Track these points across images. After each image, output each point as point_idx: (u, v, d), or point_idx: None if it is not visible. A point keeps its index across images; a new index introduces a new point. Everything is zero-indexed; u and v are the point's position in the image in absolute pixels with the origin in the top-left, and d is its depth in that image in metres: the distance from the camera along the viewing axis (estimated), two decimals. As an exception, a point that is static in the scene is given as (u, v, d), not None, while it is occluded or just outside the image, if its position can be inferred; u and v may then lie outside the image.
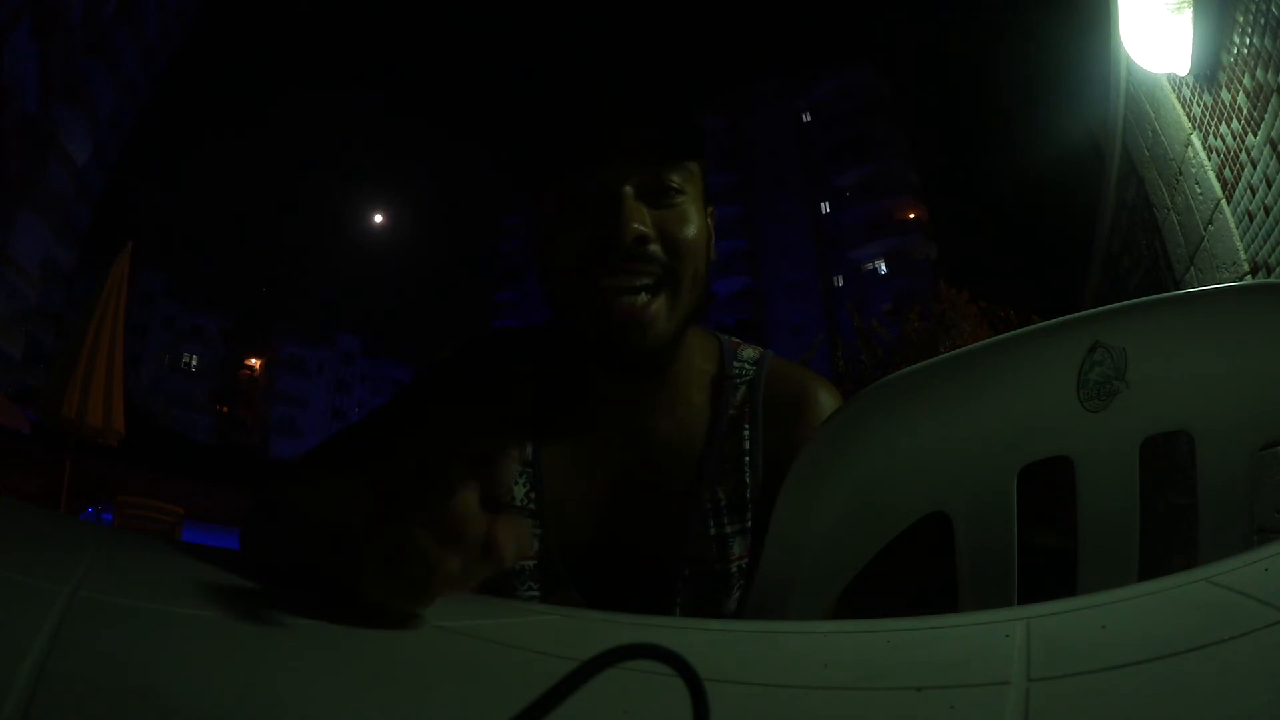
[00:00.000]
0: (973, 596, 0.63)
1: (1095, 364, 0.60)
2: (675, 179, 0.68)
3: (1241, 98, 1.83)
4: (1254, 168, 1.81)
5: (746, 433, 0.74)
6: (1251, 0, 1.72)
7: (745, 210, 41.01)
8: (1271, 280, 1.10)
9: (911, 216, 37.54)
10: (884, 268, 37.16)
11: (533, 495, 0.72)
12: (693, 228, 0.69)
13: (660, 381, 0.74)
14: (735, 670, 0.37)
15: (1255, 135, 1.78)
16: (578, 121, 0.69)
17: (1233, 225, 1.98)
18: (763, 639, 0.45)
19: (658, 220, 0.67)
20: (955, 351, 0.63)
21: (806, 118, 41.12)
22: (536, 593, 0.71)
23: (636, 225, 0.65)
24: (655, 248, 0.66)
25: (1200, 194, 2.21)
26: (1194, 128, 2.21)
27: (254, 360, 45.03)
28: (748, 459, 0.74)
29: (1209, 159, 2.11)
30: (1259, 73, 1.73)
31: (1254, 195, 1.83)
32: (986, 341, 0.63)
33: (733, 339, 0.82)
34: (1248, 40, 1.76)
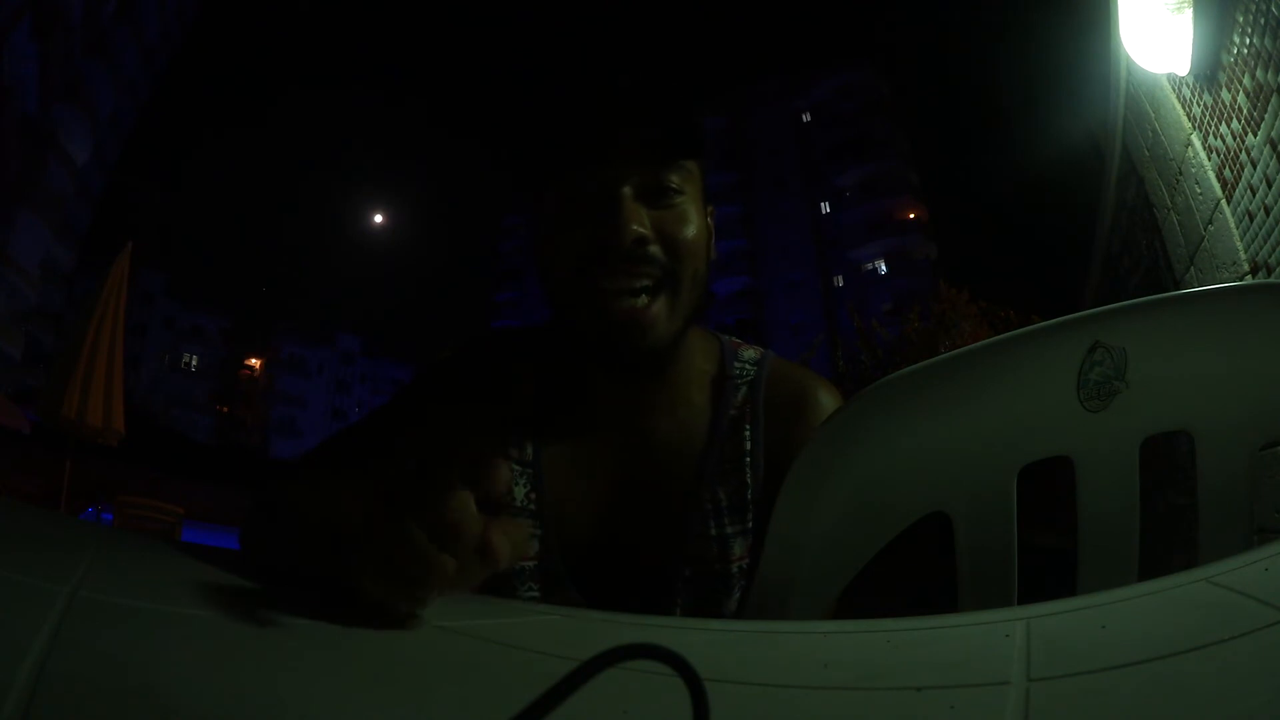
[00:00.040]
0: (973, 596, 0.63)
1: (1095, 364, 0.60)
2: (674, 179, 0.68)
3: (1241, 98, 1.83)
4: (1254, 168, 1.81)
5: (747, 433, 0.74)
6: (1251, 0, 1.72)
7: (745, 210, 41.01)
8: (1271, 280, 1.10)
9: (911, 216, 37.54)
10: (884, 268, 37.16)
11: (533, 495, 0.72)
12: (692, 228, 0.69)
13: (661, 382, 0.74)
14: (735, 670, 0.37)
15: (1255, 135, 1.78)
16: (577, 121, 0.69)
17: (1233, 225, 1.98)
18: (763, 639, 0.45)
19: (657, 221, 0.67)
20: (955, 351, 0.63)
21: (806, 118, 41.12)
22: (537, 593, 0.71)
23: (635, 227, 0.65)
24: (655, 249, 0.66)
25: (1200, 194, 2.21)
26: (1194, 128, 2.21)
27: (254, 360, 45.03)
28: (748, 459, 0.74)
29: (1209, 159, 2.11)
30: (1259, 73, 1.73)
31: (1254, 195, 1.83)
32: (986, 341, 0.63)
33: (733, 339, 0.82)
34: (1248, 40, 1.76)
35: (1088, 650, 0.33)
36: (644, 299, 0.66)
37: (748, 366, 0.78)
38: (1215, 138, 2.04)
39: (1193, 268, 2.31)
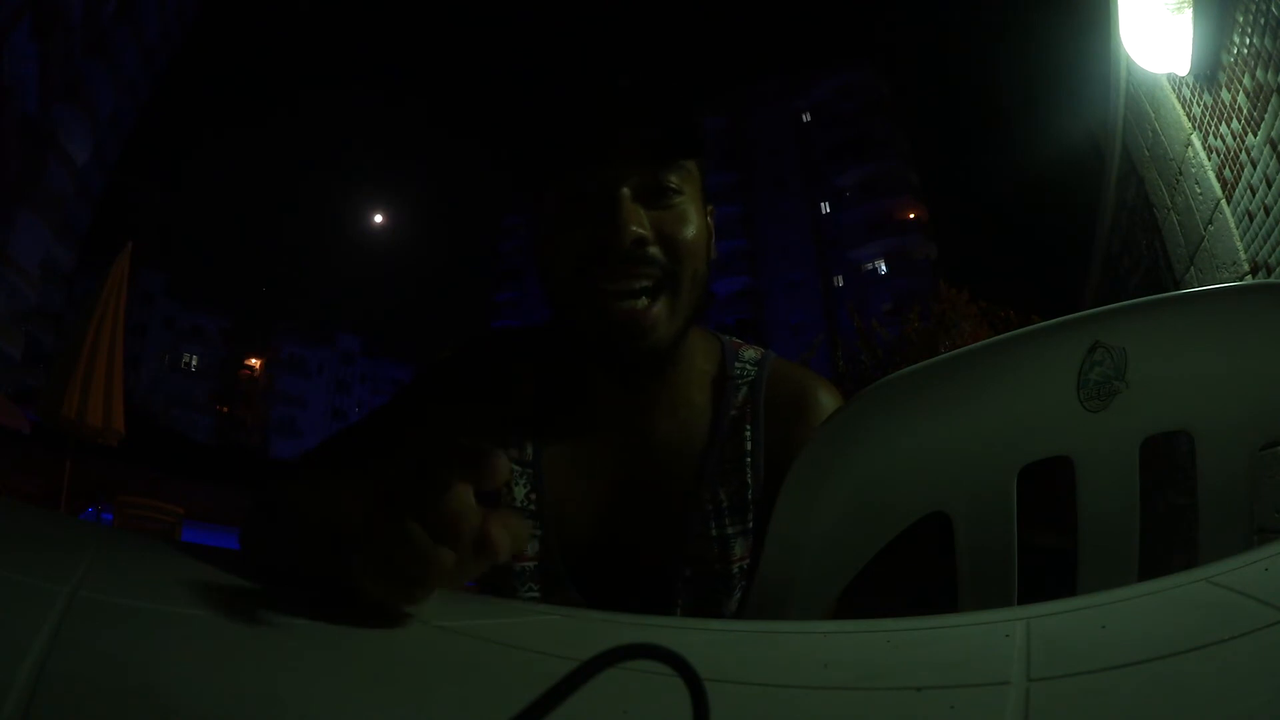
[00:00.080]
0: (973, 596, 0.63)
1: (1095, 364, 0.60)
2: (673, 179, 0.68)
3: (1241, 98, 1.83)
4: (1254, 168, 1.81)
5: (748, 433, 0.74)
6: (1251, 0, 1.72)
7: (745, 210, 41.01)
8: (1271, 280, 1.10)
9: (911, 216, 37.54)
10: (884, 268, 37.17)
11: (533, 496, 0.72)
12: (692, 228, 0.68)
13: (661, 382, 0.74)
14: (735, 670, 0.37)
15: (1255, 135, 1.78)
16: (577, 121, 0.69)
17: (1233, 225, 1.98)
18: (763, 639, 0.45)
19: (656, 221, 0.67)
20: (955, 351, 0.63)
21: (806, 118, 41.13)
22: (537, 593, 0.71)
23: (635, 228, 0.65)
24: (654, 249, 0.66)
25: (1200, 194, 2.21)
26: (1194, 128, 2.21)
27: (254, 360, 45.03)
28: (749, 460, 0.74)
29: (1209, 159, 2.11)
30: (1259, 73, 1.73)
31: (1254, 195, 1.83)
32: (986, 341, 0.63)
33: (734, 339, 0.82)
34: (1248, 40, 1.76)
35: (1088, 650, 0.33)
36: (644, 300, 0.66)
37: (748, 367, 0.78)
38: (1215, 138, 2.04)
39: (1193, 268, 2.31)
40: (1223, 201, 2.04)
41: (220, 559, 0.48)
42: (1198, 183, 2.22)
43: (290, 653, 0.33)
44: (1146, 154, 2.77)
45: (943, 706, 0.29)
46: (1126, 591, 0.39)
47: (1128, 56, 2.54)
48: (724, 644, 0.43)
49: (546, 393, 0.76)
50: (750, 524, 0.72)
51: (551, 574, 0.71)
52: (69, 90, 18.67)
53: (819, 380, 0.79)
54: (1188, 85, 2.20)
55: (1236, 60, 1.84)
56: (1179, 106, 2.31)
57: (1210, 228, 2.14)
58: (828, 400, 0.77)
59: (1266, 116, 1.71)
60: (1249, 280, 1.84)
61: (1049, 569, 0.76)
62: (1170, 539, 2.04)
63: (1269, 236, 1.76)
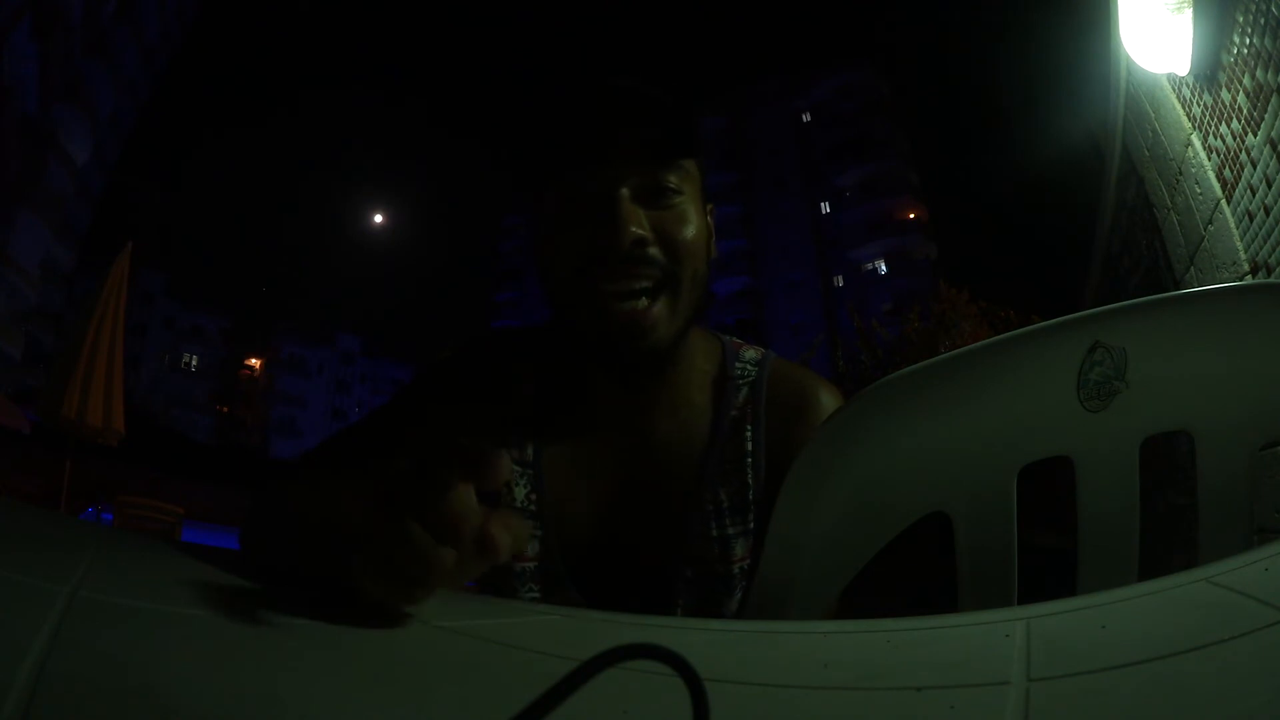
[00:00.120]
0: (973, 596, 0.63)
1: (1095, 364, 0.60)
2: (673, 179, 0.68)
3: (1241, 98, 1.83)
4: (1254, 168, 1.81)
5: (749, 434, 0.74)
6: (1251, 0, 1.72)
7: (745, 210, 41.01)
8: (1271, 280, 1.10)
9: (911, 216, 37.54)
10: (884, 268, 37.17)
11: (533, 496, 0.72)
12: (691, 228, 0.68)
13: (661, 382, 0.74)
14: (735, 670, 0.37)
15: (1255, 135, 1.78)
16: (576, 122, 0.69)
17: (1233, 225, 1.98)
18: (763, 639, 0.45)
19: (656, 221, 0.67)
20: (955, 351, 0.63)
21: (806, 118, 41.13)
22: (537, 594, 0.71)
23: (634, 228, 0.65)
24: (654, 250, 0.66)
25: (1200, 194, 2.21)
26: (1194, 128, 2.21)
27: (254, 360, 45.03)
28: (750, 460, 0.74)
29: (1209, 159, 2.11)
30: (1259, 73, 1.73)
31: (1254, 195, 1.83)
32: (986, 341, 0.63)
33: (734, 340, 0.82)
34: (1248, 40, 1.76)
35: (1088, 650, 0.33)
36: (644, 300, 0.66)
37: (749, 367, 0.78)
38: (1215, 138, 2.04)
39: (1193, 268, 2.31)
40: (1223, 201, 2.04)
41: (220, 559, 0.48)
42: (1198, 183, 2.22)
43: (290, 653, 0.33)
44: (1146, 154, 2.77)
45: (943, 706, 0.29)
46: (1126, 591, 0.39)
47: (1128, 56, 2.54)
48: (724, 644, 0.43)
49: (546, 393, 0.76)
50: (751, 524, 0.72)
51: (552, 574, 0.71)
52: (69, 90, 18.67)
53: (819, 380, 0.79)
54: (1188, 85, 2.20)
55: (1236, 60, 1.84)
56: (1179, 106, 2.31)
57: (1210, 228, 2.14)
58: (828, 400, 0.77)
59: (1266, 116, 1.71)
60: (1249, 280, 1.84)
61: (1049, 569, 0.76)
62: (1170, 539, 2.04)
63: (1269, 236, 1.76)
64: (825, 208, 39.73)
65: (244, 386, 44.22)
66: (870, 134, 38.39)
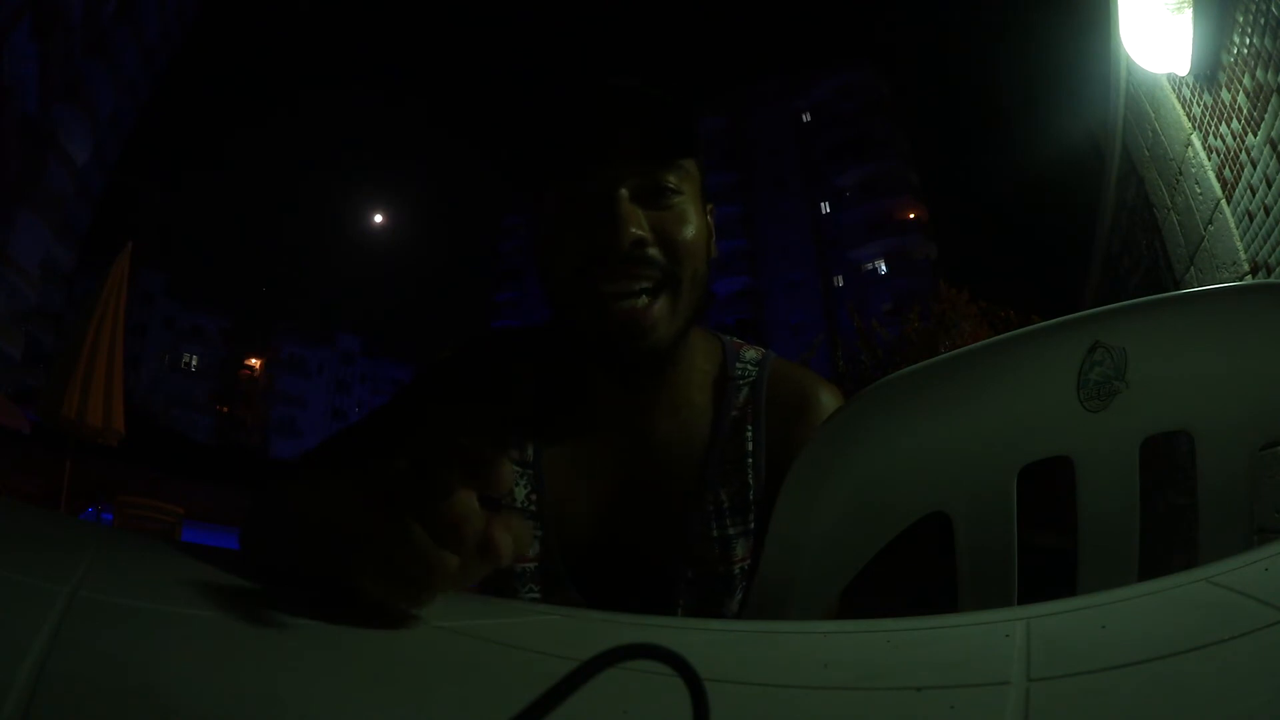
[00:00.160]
0: (973, 596, 0.63)
1: (1095, 364, 0.60)
2: (672, 179, 0.68)
3: (1241, 98, 1.83)
4: (1254, 168, 1.81)
5: (749, 434, 0.74)
6: (1251, 0, 1.72)
7: (745, 210, 41.02)
8: (1271, 280, 1.10)
9: (911, 216, 37.55)
10: (884, 268, 37.18)
11: (533, 496, 0.72)
12: (691, 228, 0.68)
13: (661, 382, 0.74)
14: (735, 670, 0.37)
15: (1255, 135, 1.78)
16: (575, 122, 0.69)
17: (1233, 225, 1.98)
18: (763, 639, 0.45)
19: (655, 222, 0.67)
20: (955, 351, 0.63)
21: (806, 118, 41.13)
22: (538, 594, 0.71)
23: (633, 229, 0.65)
24: (654, 251, 0.66)
25: (1200, 194, 2.21)
26: (1194, 128, 2.21)
27: (254, 360, 45.03)
28: (750, 460, 0.73)
29: (1209, 159, 2.11)
30: (1259, 73, 1.73)
31: (1254, 195, 1.83)
32: (986, 341, 0.63)
33: (735, 340, 0.82)
34: (1248, 40, 1.76)
35: (1088, 650, 0.33)
36: (644, 300, 0.66)
37: (749, 367, 0.78)
38: (1215, 138, 2.04)
39: (1193, 268, 2.31)
40: (1223, 201, 2.04)
41: (220, 559, 0.48)
42: (1198, 183, 2.22)
43: (290, 653, 0.33)
44: (1146, 154, 2.77)
45: (943, 706, 0.29)
46: (1126, 591, 0.39)
47: (1128, 56, 2.54)
48: (724, 644, 0.43)
49: (547, 393, 0.76)
50: (751, 524, 0.72)
51: (552, 574, 0.71)
52: (69, 90, 18.67)
53: (820, 380, 0.79)
54: (1188, 85, 2.20)
55: (1236, 60, 1.84)
56: (1179, 106, 2.31)
57: (1210, 228, 2.14)
58: (829, 400, 0.77)
59: (1266, 116, 1.71)
60: (1249, 280, 1.84)
61: (1049, 569, 0.76)
62: (1170, 539, 2.04)
63: (1269, 236, 1.76)
64: (825, 208, 39.73)
65: (244, 386, 44.22)
66: (870, 134, 38.39)
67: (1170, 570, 0.40)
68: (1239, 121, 1.87)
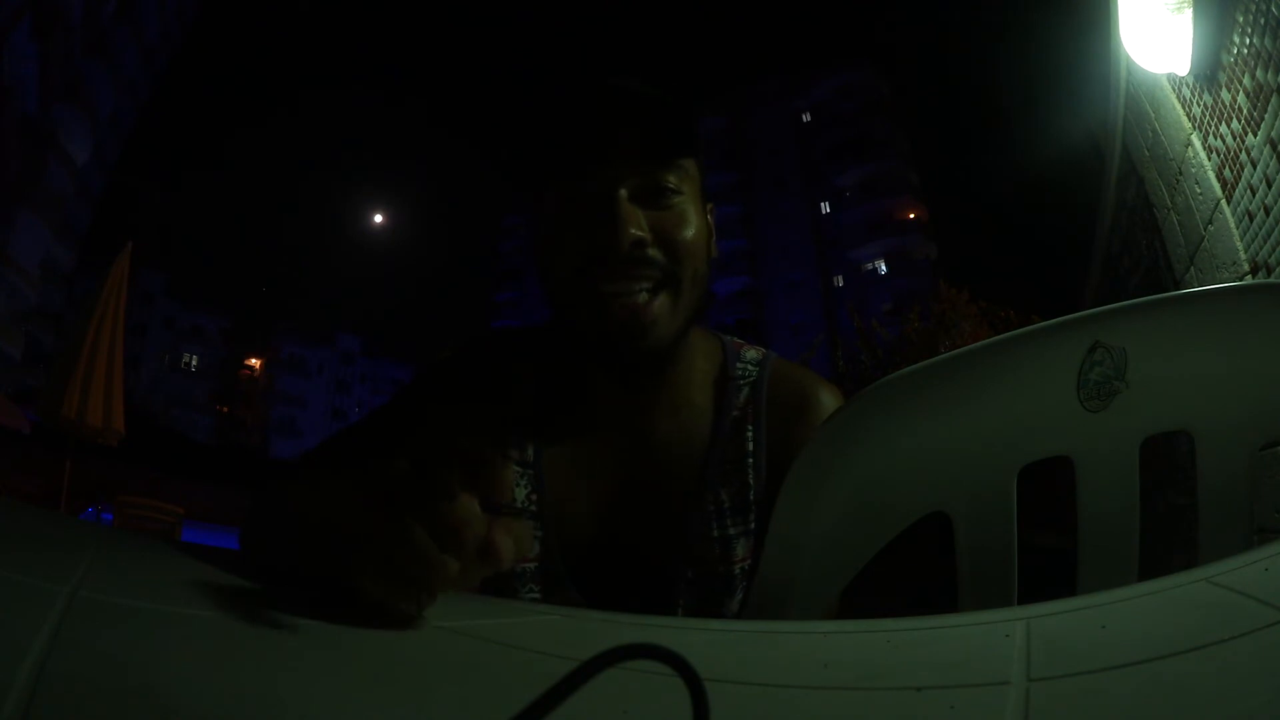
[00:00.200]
0: (973, 596, 0.63)
1: (1095, 364, 0.60)
2: (672, 179, 0.68)
3: (1241, 98, 1.83)
4: (1254, 168, 1.81)
5: (750, 434, 0.74)
6: (1251, 0, 1.72)
7: (745, 210, 41.02)
8: (1271, 280, 1.10)
9: (911, 216, 37.55)
10: (884, 268, 37.18)
11: (533, 497, 0.72)
12: (691, 228, 0.68)
13: (662, 382, 0.74)
14: (735, 670, 0.37)
15: (1255, 135, 1.78)
16: (575, 122, 0.69)
17: (1233, 225, 1.98)
18: (763, 639, 0.45)
19: (655, 222, 0.67)
20: (955, 351, 0.63)
21: (806, 118, 41.13)
22: (538, 594, 0.71)
23: (633, 230, 0.64)
24: (654, 251, 0.66)
25: (1200, 194, 2.21)
26: (1194, 128, 2.21)
27: (254, 360, 45.03)
28: (751, 460, 0.73)
29: (1209, 159, 2.11)
30: (1259, 73, 1.73)
31: (1254, 195, 1.83)
32: (986, 341, 0.63)
33: (735, 340, 0.82)
34: (1248, 40, 1.76)
35: (1088, 650, 0.33)
36: (644, 296, 0.66)
37: (750, 367, 0.78)
38: (1215, 138, 2.04)
39: (1193, 268, 2.31)
40: (1223, 201, 2.04)
41: (220, 559, 0.48)
42: (1198, 183, 2.22)
43: (290, 653, 0.33)
44: (1146, 154, 2.77)
45: (943, 706, 0.29)
46: (1126, 591, 0.39)
47: (1128, 56, 2.54)
48: (724, 644, 0.43)
49: (547, 393, 0.76)
50: (752, 524, 0.72)
51: (552, 574, 0.71)
52: (69, 90, 18.67)
53: (820, 380, 0.79)
54: (1188, 85, 2.20)
55: (1236, 60, 1.84)
56: (1179, 106, 2.31)
57: (1210, 228, 2.14)
58: (829, 400, 0.77)
59: (1266, 116, 1.71)
60: (1249, 280, 1.84)
61: (1049, 569, 0.76)
62: (1170, 539, 2.04)
63: (1269, 236, 1.76)
64: (825, 208, 39.73)
65: (244, 386, 44.22)
66: (870, 134, 38.39)
67: (1170, 570, 0.40)
68: (1239, 121, 1.87)
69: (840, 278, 38.51)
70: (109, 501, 6.38)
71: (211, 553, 0.49)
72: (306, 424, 44.64)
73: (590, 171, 0.67)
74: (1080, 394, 0.60)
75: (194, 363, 41.34)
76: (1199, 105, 2.13)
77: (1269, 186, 1.74)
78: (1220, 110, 1.97)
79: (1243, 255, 1.92)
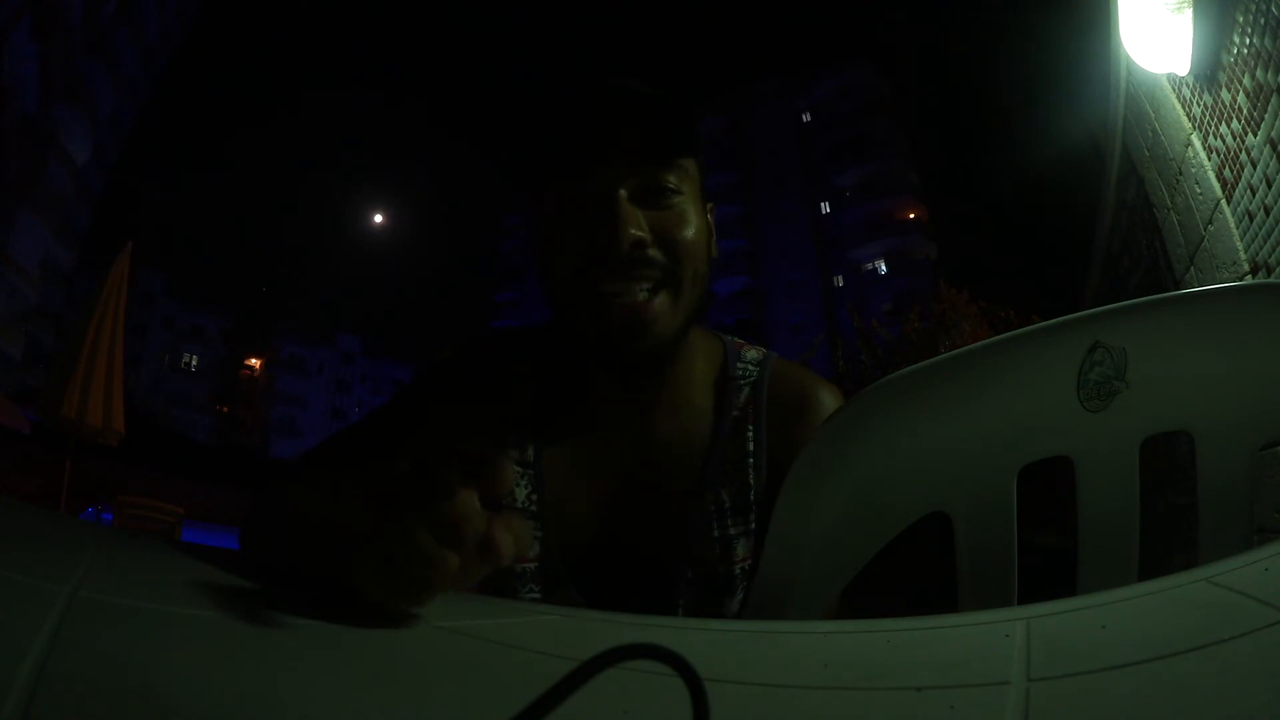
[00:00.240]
0: (973, 596, 0.63)
1: (1095, 364, 0.60)
2: (672, 179, 0.68)
3: (1241, 98, 1.83)
4: (1254, 168, 1.81)
5: (750, 434, 0.74)
6: (1251, 0, 1.72)
7: (745, 210, 41.02)
8: (1271, 280, 1.10)
9: (911, 216, 37.55)
10: (884, 268, 37.19)
11: (534, 497, 0.72)
12: (691, 228, 0.68)
13: (662, 382, 0.74)
14: (735, 670, 0.37)
15: (1255, 135, 1.78)
16: (575, 122, 0.69)
17: (1233, 225, 1.98)
18: (763, 639, 0.45)
19: (655, 222, 0.67)
20: (955, 351, 0.63)
21: (806, 118, 41.13)
22: (538, 594, 0.71)
23: (633, 230, 0.64)
24: (654, 251, 0.66)
25: (1200, 194, 2.21)
26: (1194, 128, 2.21)
27: (254, 360, 45.03)
28: (751, 460, 0.73)
29: (1209, 159, 2.11)
30: (1259, 73, 1.73)
31: (1254, 195, 1.83)
32: (986, 341, 0.63)
33: (736, 339, 0.82)
34: (1248, 40, 1.76)
35: (1088, 650, 0.32)
36: (645, 294, 0.66)
37: (750, 367, 0.78)
38: (1215, 138, 2.04)
39: (1193, 268, 2.31)
40: (1223, 201, 2.04)
41: (220, 559, 0.48)
42: (1198, 183, 2.22)
43: (290, 653, 0.33)
44: (1146, 154, 2.77)
45: (943, 706, 0.29)
46: (1126, 591, 0.39)
47: (1128, 56, 2.54)
48: (724, 644, 0.43)
49: (547, 393, 0.76)
50: (752, 525, 0.72)
51: (552, 574, 0.71)
52: (69, 90, 18.67)
53: (821, 380, 0.79)
54: (1188, 85, 2.20)
55: (1236, 60, 1.84)
56: (1179, 106, 2.31)
57: (1210, 228, 2.14)
58: (829, 400, 0.77)
59: (1266, 116, 1.71)
60: (1249, 280, 1.84)
61: (1049, 569, 0.76)
62: (1170, 539, 2.04)
63: (1269, 236, 1.76)
64: (825, 208, 39.74)
65: (244, 386, 44.22)
66: (870, 134, 38.40)
67: (1170, 570, 0.40)
68: (1239, 121, 1.87)
69: (840, 278, 38.51)
70: (109, 501, 6.38)
71: (211, 553, 0.49)
72: (306, 424, 44.64)
73: (590, 171, 0.67)
74: (1080, 394, 0.60)
75: (194, 363, 41.35)
76: (1199, 105, 2.13)
77: (1269, 186, 1.74)
78: (1220, 110, 1.97)
79: (1243, 255, 1.92)
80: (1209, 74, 2.01)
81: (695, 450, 0.74)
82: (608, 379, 0.73)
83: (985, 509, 0.63)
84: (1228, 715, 0.25)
